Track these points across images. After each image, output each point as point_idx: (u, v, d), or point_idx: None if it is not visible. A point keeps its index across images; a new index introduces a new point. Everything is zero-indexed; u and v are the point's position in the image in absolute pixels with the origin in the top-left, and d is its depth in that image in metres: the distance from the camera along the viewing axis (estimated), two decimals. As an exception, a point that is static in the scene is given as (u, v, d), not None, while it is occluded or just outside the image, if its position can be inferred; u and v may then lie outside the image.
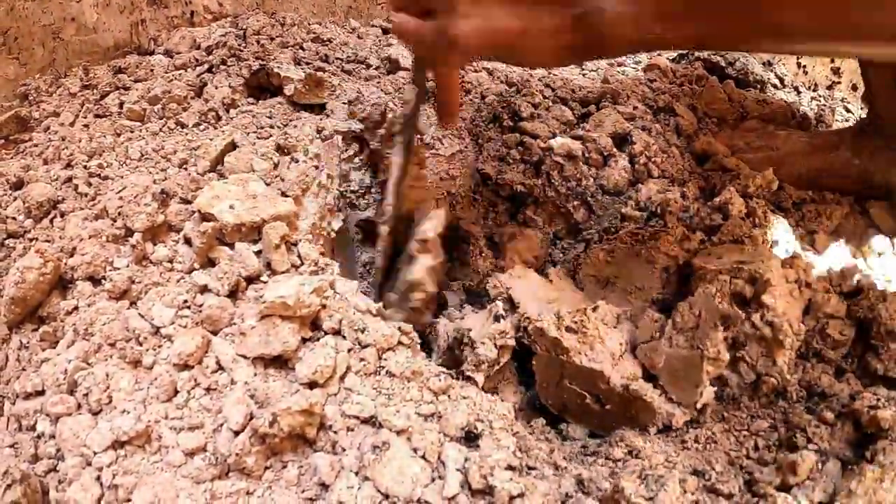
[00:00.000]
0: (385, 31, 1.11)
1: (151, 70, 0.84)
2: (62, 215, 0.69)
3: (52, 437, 0.51)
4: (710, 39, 0.53)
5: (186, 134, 0.76)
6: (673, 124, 0.94)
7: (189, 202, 0.65)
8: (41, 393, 0.53)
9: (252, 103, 0.81)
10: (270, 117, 0.77)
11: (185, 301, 0.57)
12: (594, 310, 0.60)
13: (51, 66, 0.85)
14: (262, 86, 0.84)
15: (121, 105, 0.80)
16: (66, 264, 0.61)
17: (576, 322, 0.59)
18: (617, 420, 0.60)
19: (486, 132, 0.86)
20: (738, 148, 0.94)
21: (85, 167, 0.72)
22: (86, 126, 0.79)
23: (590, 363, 0.58)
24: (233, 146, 0.71)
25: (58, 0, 0.81)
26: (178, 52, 0.88)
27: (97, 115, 0.80)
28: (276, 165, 0.70)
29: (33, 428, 0.52)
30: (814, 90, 1.33)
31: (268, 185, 0.66)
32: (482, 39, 0.50)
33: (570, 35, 0.47)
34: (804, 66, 1.36)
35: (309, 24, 0.96)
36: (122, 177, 0.70)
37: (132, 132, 0.77)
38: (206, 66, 0.84)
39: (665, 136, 0.91)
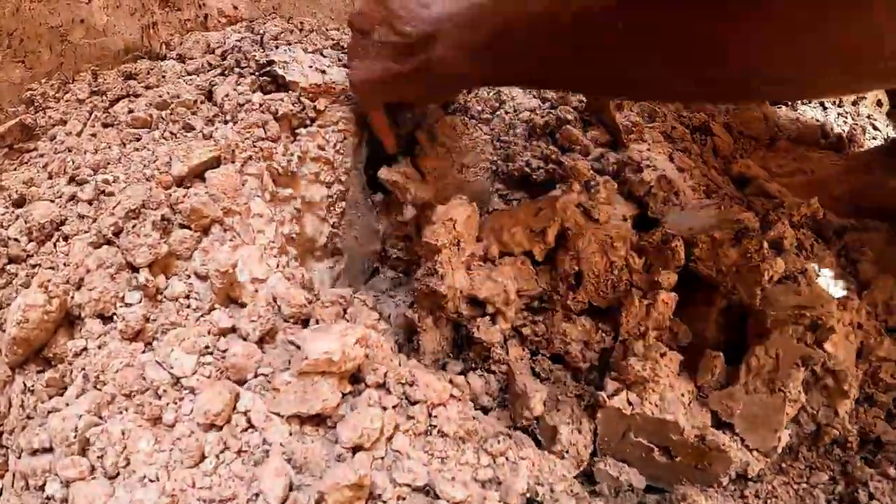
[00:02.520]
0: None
1: (163, 76, 0.78)
2: (66, 238, 0.63)
3: (65, 501, 0.45)
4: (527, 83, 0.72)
5: (191, 140, 0.70)
6: (710, 144, 0.90)
7: (190, 228, 0.59)
8: (49, 450, 0.48)
9: (261, 103, 0.74)
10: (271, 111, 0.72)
11: (207, 346, 0.52)
12: (662, 356, 0.56)
13: (58, 71, 0.78)
14: (273, 87, 0.77)
15: (130, 113, 0.74)
16: (72, 298, 0.55)
17: (647, 370, 0.54)
18: (685, 472, 0.56)
19: (515, 145, 0.81)
20: (771, 171, 0.91)
21: (90, 182, 0.66)
22: (93, 136, 0.72)
23: (661, 413, 0.54)
24: (218, 161, 0.66)
25: (66, 1, 0.75)
26: (192, 56, 0.81)
27: (105, 125, 0.73)
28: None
29: (42, 488, 0.47)
30: (839, 106, 1.30)
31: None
32: (362, 86, 0.66)
33: (414, 77, 0.59)
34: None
35: (327, 30, 0.90)
36: (122, 190, 0.64)
37: (138, 140, 0.71)
38: (218, 69, 0.78)
39: (703, 158, 0.87)
